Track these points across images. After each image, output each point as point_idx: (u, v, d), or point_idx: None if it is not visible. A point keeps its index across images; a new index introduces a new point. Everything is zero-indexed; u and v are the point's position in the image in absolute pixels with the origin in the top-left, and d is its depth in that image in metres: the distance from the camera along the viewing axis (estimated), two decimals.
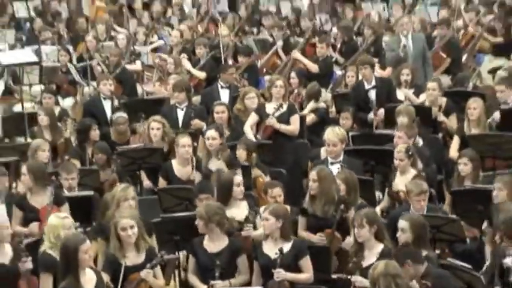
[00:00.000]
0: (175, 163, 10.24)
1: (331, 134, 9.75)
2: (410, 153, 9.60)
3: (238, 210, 8.79)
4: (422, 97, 11.70)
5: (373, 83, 11.93)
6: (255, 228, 8.57)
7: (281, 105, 11.13)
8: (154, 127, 10.97)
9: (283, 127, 11.08)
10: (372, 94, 11.84)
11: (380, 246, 7.71)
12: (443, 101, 11.57)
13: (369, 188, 9.58)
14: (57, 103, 12.56)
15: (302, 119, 11.49)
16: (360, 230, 7.73)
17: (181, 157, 10.19)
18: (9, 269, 7.78)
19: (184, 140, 10.18)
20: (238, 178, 9.00)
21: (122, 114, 11.53)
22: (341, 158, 9.67)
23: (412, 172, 9.48)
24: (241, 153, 10.26)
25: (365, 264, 7.61)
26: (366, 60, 12.35)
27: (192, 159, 10.25)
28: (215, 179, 9.39)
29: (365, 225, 7.69)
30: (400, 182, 9.47)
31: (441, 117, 11.38)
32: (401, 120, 10.43)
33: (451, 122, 11.33)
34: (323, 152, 9.92)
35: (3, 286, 7.74)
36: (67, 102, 13.21)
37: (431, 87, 11.60)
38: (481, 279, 7.86)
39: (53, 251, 7.82)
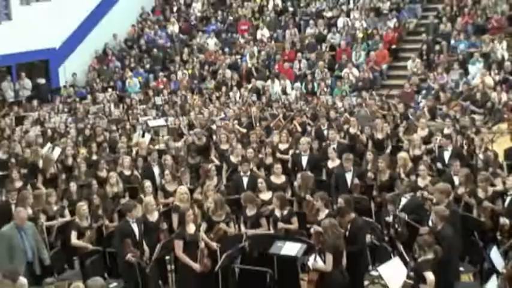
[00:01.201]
0: (232, 156, 10.31)
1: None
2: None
3: (265, 195, 8.67)
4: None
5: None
6: None
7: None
8: (223, 138, 11.23)
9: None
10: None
11: (327, 211, 7.54)
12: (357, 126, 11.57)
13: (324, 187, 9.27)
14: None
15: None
16: (316, 202, 7.66)
17: (235, 153, 10.30)
18: (156, 225, 7.79)
19: (236, 145, 10.53)
20: (260, 180, 8.91)
21: (199, 131, 11.97)
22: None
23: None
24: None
25: (319, 219, 7.48)
26: (322, 114, 12.71)
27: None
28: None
29: (319, 200, 7.58)
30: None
31: (358, 133, 11.36)
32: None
33: (363, 137, 11.27)
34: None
35: (152, 234, 7.65)
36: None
37: (352, 120, 11.87)
38: (377, 226, 7.78)
39: (180, 204, 7.91)
